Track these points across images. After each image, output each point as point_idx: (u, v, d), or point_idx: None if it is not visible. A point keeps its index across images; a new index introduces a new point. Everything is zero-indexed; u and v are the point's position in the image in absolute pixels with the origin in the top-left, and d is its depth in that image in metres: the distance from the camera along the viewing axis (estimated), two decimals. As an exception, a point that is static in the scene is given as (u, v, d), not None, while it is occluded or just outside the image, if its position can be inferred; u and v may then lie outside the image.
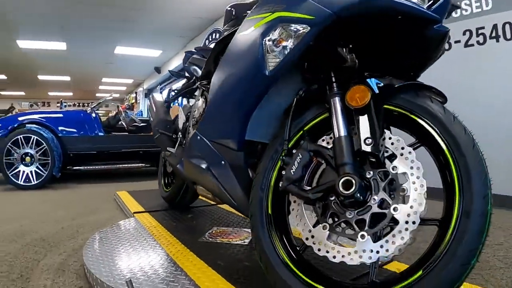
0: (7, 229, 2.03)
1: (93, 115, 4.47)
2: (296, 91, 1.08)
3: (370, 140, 0.89)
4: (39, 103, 13.74)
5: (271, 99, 1.12)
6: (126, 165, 4.54)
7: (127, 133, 5.02)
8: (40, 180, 3.71)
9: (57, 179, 3.95)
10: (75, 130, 4.27)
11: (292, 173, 0.96)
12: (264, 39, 1.00)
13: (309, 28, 0.92)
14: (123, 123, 5.20)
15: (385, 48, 1.01)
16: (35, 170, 3.70)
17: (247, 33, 1.09)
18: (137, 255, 1.43)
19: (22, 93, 16.11)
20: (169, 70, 3.47)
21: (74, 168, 4.20)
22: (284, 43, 0.97)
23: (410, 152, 0.86)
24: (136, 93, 15.81)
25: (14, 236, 1.89)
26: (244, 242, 1.58)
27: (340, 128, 0.93)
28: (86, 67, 11.08)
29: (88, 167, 4.29)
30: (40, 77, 12.39)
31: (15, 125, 3.93)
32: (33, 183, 3.68)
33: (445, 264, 0.76)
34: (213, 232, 1.75)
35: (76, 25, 6.96)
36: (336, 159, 0.92)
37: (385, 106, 0.92)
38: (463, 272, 0.75)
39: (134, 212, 2.19)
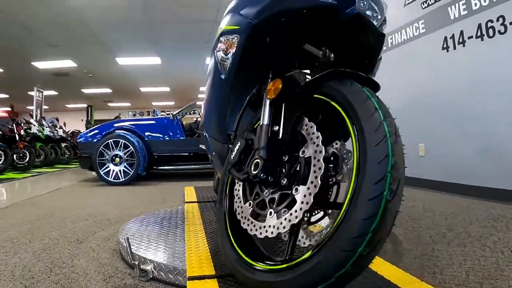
0: (87, 212, 2.63)
1: (175, 121, 5.10)
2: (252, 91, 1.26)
3: (277, 127, 1.01)
4: (144, 113, 15.87)
5: (241, 98, 1.31)
6: (203, 165, 4.94)
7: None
8: (127, 177, 4.43)
9: (143, 177, 4.66)
10: (159, 135, 4.92)
11: (232, 158, 1.13)
12: (215, 51, 1.24)
13: (238, 36, 1.11)
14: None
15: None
16: (123, 169, 4.45)
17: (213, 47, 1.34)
18: (160, 230, 1.73)
19: (128, 104, 18.20)
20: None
21: (159, 168, 4.83)
22: (229, 51, 1.18)
23: (317, 137, 0.92)
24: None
25: (88, 217, 2.46)
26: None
27: (262, 118, 1.07)
28: (183, 78, 12.24)
29: (171, 167, 4.87)
30: (142, 89, 14.17)
31: (108, 131, 4.75)
32: (121, 180, 4.42)
33: (328, 249, 0.77)
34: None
35: (167, 40, 8.01)
36: (255, 145, 1.06)
37: (315, 95, 0.99)
38: (345, 259, 0.73)
39: (186, 202, 2.54)
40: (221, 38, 1.20)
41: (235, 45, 1.13)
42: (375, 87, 0.96)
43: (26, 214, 2.57)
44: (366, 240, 0.72)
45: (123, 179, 4.43)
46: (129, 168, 4.46)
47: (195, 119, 6.49)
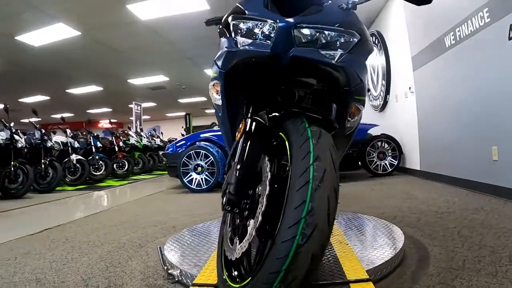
0: (159, 218, 3.06)
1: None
2: None
3: (239, 165, 1.10)
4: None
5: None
6: None
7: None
8: (208, 185, 4.89)
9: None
10: None
11: (222, 188, 1.27)
12: (210, 91, 1.41)
13: (219, 81, 1.27)
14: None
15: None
16: (204, 178, 4.92)
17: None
18: (200, 240, 1.95)
19: None
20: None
21: None
22: (218, 93, 1.33)
23: (267, 176, 1.03)
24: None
25: (158, 223, 2.87)
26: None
27: (233, 155, 1.20)
28: (204, 87, 12.90)
29: None
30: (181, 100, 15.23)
31: (193, 142, 5.27)
32: (202, 187, 4.90)
33: (255, 280, 0.87)
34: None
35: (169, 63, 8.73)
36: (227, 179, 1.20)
37: (275, 134, 1.10)
38: None
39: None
40: (211, 82, 1.37)
41: (219, 88, 1.29)
42: (331, 126, 1.04)
43: (109, 220, 3.13)
44: (279, 277, 0.80)
45: (204, 187, 4.88)
46: (210, 177, 4.89)
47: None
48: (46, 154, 6.13)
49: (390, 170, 5.24)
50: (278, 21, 1.08)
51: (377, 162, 5.27)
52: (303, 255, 0.80)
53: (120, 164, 8.17)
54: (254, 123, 1.10)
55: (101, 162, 7.41)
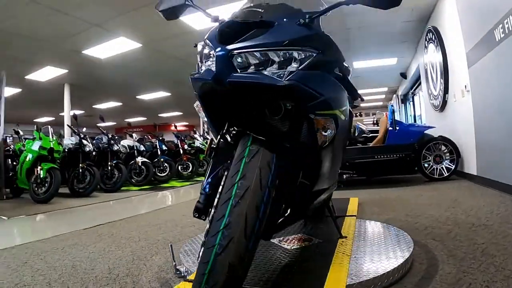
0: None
1: None
2: None
3: (207, 177, 1.22)
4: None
5: None
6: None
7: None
8: None
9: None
10: None
11: None
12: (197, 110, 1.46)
13: (197, 99, 1.31)
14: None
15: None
16: None
17: None
18: None
19: None
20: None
21: None
22: (202, 112, 1.38)
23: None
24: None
25: (196, 223, 3.01)
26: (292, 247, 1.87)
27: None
28: None
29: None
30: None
31: None
32: None
33: (194, 280, 0.95)
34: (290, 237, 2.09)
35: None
36: None
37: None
38: None
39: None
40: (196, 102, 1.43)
41: (199, 105, 1.34)
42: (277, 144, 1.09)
43: (156, 219, 3.38)
44: (204, 279, 0.89)
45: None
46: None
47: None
48: (113, 157, 6.77)
49: (447, 174, 4.84)
50: (217, 50, 1.11)
51: (433, 166, 4.91)
52: (220, 263, 0.88)
53: (185, 166, 8.63)
54: (221, 140, 1.17)
55: (165, 164, 7.90)
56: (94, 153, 6.44)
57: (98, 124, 7.38)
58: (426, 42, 6.43)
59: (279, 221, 1.28)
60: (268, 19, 1.17)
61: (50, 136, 5.51)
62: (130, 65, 8.22)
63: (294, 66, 1.12)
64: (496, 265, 1.47)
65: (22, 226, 3.50)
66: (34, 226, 3.53)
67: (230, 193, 0.96)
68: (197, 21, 5.94)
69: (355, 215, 2.61)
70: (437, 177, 4.87)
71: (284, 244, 1.88)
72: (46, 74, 8.51)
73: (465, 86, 4.49)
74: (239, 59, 1.11)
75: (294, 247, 1.82)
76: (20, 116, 12.70)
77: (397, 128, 5.09)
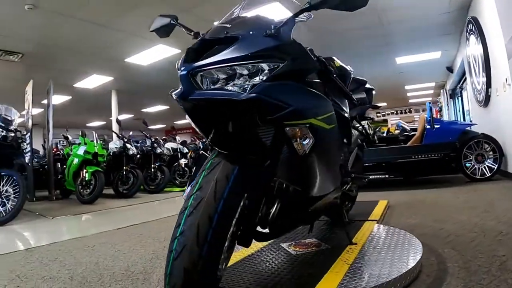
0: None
1: None
2: None
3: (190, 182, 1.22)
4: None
5: None
6: (372, 176, 4.88)
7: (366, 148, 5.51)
8: None
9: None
10: None
11: None
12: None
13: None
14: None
15: None
16: None
17: None
18: None
19: (384, 103, 17.94)
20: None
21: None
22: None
23: None
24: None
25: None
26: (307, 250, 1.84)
27: None
28: (382, 81, 11.94)
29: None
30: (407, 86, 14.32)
31: None
32: None
33: None
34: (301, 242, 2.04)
35: (352, 51, 8.27)
36: None
37: None
38: None
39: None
40: None
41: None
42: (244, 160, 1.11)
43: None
44: (167, 280, 0.98)
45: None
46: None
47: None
48: (156, 159, 7.06)
49: (489, 174, 4.49)
50: (181, 69, 1.13)
51: (475, 166, 4.56)
52: (177, 267, 0.96)
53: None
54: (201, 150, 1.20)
55: None
56: (138, 156, 6.76)
57: (142, 129, 7.72)
58: (467, 33, 5.98)
59: (271, 227, 1.28)
60: (235, 33, 1.16)
61: (95, 141, 5.89)
62: (172, 69, 8.49)
63: (258, 78, 1.11)
64: (510, 283, 1.34)
65: (63, 225, 3.78)
66: (74, 226, 3.80)
67: (187, 204, 1.03)
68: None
69: (376, 220, 2.52)
70: (479, 177, 4.53)
71: (290, 249, 1.87)
72: (93, 81, 9.12)
73: (506, 79, 4.12)
74: (199, 77, 1.12)
75: (299, 252, 1.81)
76: (72, 122, 13.65)
77: (435, 126, 4.80)
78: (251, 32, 1.15)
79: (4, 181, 3.77)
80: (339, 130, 1.51)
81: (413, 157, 4.74)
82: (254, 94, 1.06)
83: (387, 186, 4.96)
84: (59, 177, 6.51)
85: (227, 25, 1.23)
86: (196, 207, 1.01)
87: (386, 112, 19.60)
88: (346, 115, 1.67)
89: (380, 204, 3.23)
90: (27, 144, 5.61)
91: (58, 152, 7.47)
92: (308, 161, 1.25)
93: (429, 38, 7.62)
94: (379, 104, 3.29)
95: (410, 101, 17.57)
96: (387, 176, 4.89)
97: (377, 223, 2.44)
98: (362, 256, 1.63)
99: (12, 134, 4.02)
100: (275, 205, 1.24)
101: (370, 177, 4.86)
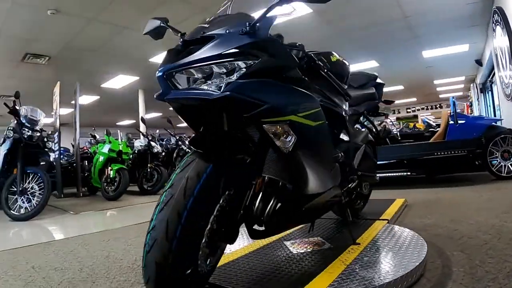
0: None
1: None
2: None
3: None
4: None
5: None
6: (393, 173, 4.77)
7: (390, 144, 5.37)
8: None
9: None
10: None
11: None
12: None
13: None
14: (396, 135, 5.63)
15: None
16: None
17: None
18: None
19: (414, 99, 17.67)
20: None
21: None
22: None
23: None
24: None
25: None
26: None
27: None
28: (410, 76, 11.78)
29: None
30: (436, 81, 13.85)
31: None
32: None
33: None
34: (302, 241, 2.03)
35: (378, 46, 8.05)
36: None
37: None
38: None
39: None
40: None
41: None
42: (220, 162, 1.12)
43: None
44: (143, 272, 1.02)
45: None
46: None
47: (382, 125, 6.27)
48: (178, 157, 7.15)
49: (516, 172, 4.22)
50: (158, 69, 1.14)
51: (501, 163, 4.31)
52: (149, 260, 0.99)
53: None
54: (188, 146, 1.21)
55: None
56: (163, 153, 6.87)
57: (167, 128, 7.83)
58: (493, 24, 5.65)
59: (266, 225, 1.28)
60: (211, 33, 1.16)
61: (119, 139, 6.06)
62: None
63: (233, 76, 1.10)
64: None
65: (85, 220, 3.91)
66: (95, 221, 3.92)
67: (159, 200, 1.06)
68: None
69: (387, 219, 2.42)
70: (505, 175, 4.28)
71: (292, 247, 1.84)
72: (119, 81, 9.39)
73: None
74: (174, 77, 1.13)
75: (300, 251, 1.77)
76: (102, 121, 14.15)
77: (459, 121, 4.58)
78: (227, 31, 1.14)
79: (30, 178, 3.94)
80: (333, 127, 1.47)
81: (435, 154, 4.54)
82: (227, 92, 1.06)
83: (408, 184, 4.80)
84: (86, 174, 6.74)
85: (206, 25, 1.23)
86: (166, 203, 1.02)
87: (416, 108, 19.01)
88: (340, 111, 1.61)
89: (396, 203, 3.12)
90: (54, 143, 5.87)
91: (87, 150, 7.75)
92: (295, 158, 1.22)
93: (455, 30, 7.28)
94: (389, 100, 3.12)
95: (441, 96, 16.94)
96: (409, 173, 4.72)
97: (388, 222, 2.35)
98: (362, 257, 1.57)
99: (38, 134, 4.19)
100: (271, 202, 1.26)
101: (391, 174, 4.73)
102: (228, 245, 1.93)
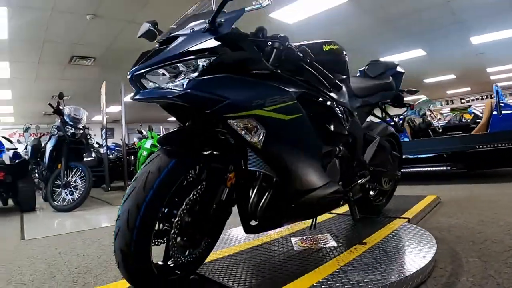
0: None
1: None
2: None
3: None
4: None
5: None
6: (432, 168, 4.47)
7: (432, 137, 5.03)
8: None
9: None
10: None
11: None
12: None
13: None
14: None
15: None
16: None
17: None
18: None
19: (468, 88, 16.37)
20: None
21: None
22: None
23: None
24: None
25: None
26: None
27: None
28: (459, 64, 10.99)
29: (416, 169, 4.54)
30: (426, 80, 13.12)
31: None
32: None
33: None
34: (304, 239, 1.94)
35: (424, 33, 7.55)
36: None
37: None
38: None
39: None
40: None
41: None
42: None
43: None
44: (114, 254, 1.08)
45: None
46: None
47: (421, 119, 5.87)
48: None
49: None
50: (129, 71, 1.18)
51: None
52: (116, 247, 1.06)
53: None
54: None
55: None
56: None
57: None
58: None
59: (260, 219, 1.31)
60: (177, 33, 1.18)
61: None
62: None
63: (194, 74, 1.10)
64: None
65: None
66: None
67: (125, 192, 1.10)
68: (286, 16, 5.94)
69: (407, 218, 2.25)
70: (557, 171, 3.81)
71: (296, 244, 1.79)
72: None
73: None
74: (139, 79, 1.16)
75: (302, 248, 1.71)
76: (153, 117, 14.68)
77: (504, 112, 4.15)
78: (191, 30, 1.16)
79: (73, 172, 4.23)
80: (323, 119, 1.41)
81: (477, 147, 4.16)
82: (187, 91, 1.07)
83: (448, 179, 4.45)
84: (131, 168, 7.08)
85: (174, 26, 1.25)
86: (129, 195, 1.07)
87: (470, 98, 17.57)
88: (330, 103, 1.50)
89: (426, 200, 2.91)
90: (103, 139, 6.22)
91: (134, 145, 8.15)
92: (272, 153, 1.22)
93: (504, 13, 6.57)
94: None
95: (500, 84, 15.34)
96: (449, 168, 4.38)
97: (408, 221, 2.19)
98: (361, 258, 1.47)
99: (81, 131, 4.47)
100: (264, 197, 1.28)
101: (430, 169, 4.42)
102: (232, 239, 1.95)
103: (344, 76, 1.69)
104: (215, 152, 1.22)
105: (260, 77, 1.21)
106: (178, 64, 1.12)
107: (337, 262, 1.44)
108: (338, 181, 1.66)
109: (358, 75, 2.41)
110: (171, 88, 1.10)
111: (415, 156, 4.51)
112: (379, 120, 2.50)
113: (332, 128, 1.46)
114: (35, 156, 5.14)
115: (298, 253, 1.62)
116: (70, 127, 4.34)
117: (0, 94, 9.10)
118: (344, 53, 1.70)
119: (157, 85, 1.15)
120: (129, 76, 1.16)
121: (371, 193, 2.47)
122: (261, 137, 1.16)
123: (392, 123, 2.39)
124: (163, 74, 1.15)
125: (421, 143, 4.75)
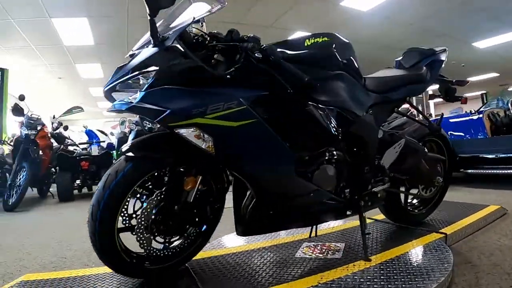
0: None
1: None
2: None
3: None
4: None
5: None
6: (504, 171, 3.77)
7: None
8: None
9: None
10: (461, 134, 4.45)
11: None
12: None
13: None
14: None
15: None
16: None
17: None
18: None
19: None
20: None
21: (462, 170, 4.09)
22: None
23: None
24: None
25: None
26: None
27: None
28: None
29: (476, 171, 4.01)
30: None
31: None
32: None
33: None
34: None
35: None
36: None
37: None
38: None
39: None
40: None
41: None
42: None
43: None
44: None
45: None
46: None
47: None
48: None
49: None
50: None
51: None
52: (89, 234, 1.20)
53: None
54: None
55: None
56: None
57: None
58: None
59: (248, 223, 1.35)
60: (137, 49, 1.26)
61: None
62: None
63: (143, 88, 1.15)
64: None
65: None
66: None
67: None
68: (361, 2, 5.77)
69: (445, 233, 1.89)
70: None
71: (302, 250, 1.69)
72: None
73: None
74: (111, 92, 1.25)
75: (305, 256, 1.61)
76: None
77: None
78: (146, 45, 1.21)
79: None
80: (296, 123, 1.33)
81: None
82: (134, 103, 1.14)
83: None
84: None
85: (145, 39, 1.29)
86: (96, 192, 1.20)
87: None
88: (302, 104, 1.35)
89: (484, 211, 2.41)
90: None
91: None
92: (228, 161, 1.25)
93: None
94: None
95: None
96: None
97: (446, 237, 1.85)
98: (349, 278, 1.30)
99: (158, 126, 4.86)
100: (251, 203, 1.31)
101: (502, 171, 3.72)
102: (239, 237, 1.91)
103: (338, 71, 1.46)
104: (178, 156, 1.28)
105: (206, 85, 1.19)
106: (139, 77, 1.17)
107: (319, 277, 1.31)
108: (339, 189, 1.53)
109: (393, 66, 2.10)
110: (127, 101, 1.18)
111: (494, 155, 3.84)
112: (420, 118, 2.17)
113: (309, 131, 1.33)
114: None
115: (296, 262, 1.53)
116: (147, 122, 4.80)
117: (98, 91, 10.60)
118: (334, 45, 1.46)
119: (128, 98, 1.20)
120: (104, 89, 1.26)
121: (413, 201, 2.24)
122: (209, 144, 1.21)
123: (427, 123, 2.01)
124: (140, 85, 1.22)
125: (500, 141, 4.02)
